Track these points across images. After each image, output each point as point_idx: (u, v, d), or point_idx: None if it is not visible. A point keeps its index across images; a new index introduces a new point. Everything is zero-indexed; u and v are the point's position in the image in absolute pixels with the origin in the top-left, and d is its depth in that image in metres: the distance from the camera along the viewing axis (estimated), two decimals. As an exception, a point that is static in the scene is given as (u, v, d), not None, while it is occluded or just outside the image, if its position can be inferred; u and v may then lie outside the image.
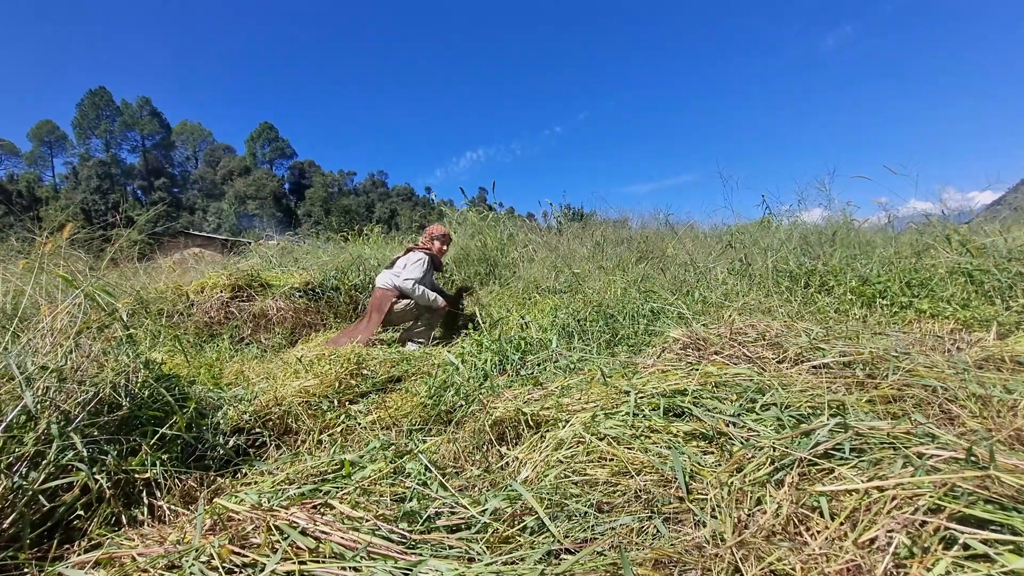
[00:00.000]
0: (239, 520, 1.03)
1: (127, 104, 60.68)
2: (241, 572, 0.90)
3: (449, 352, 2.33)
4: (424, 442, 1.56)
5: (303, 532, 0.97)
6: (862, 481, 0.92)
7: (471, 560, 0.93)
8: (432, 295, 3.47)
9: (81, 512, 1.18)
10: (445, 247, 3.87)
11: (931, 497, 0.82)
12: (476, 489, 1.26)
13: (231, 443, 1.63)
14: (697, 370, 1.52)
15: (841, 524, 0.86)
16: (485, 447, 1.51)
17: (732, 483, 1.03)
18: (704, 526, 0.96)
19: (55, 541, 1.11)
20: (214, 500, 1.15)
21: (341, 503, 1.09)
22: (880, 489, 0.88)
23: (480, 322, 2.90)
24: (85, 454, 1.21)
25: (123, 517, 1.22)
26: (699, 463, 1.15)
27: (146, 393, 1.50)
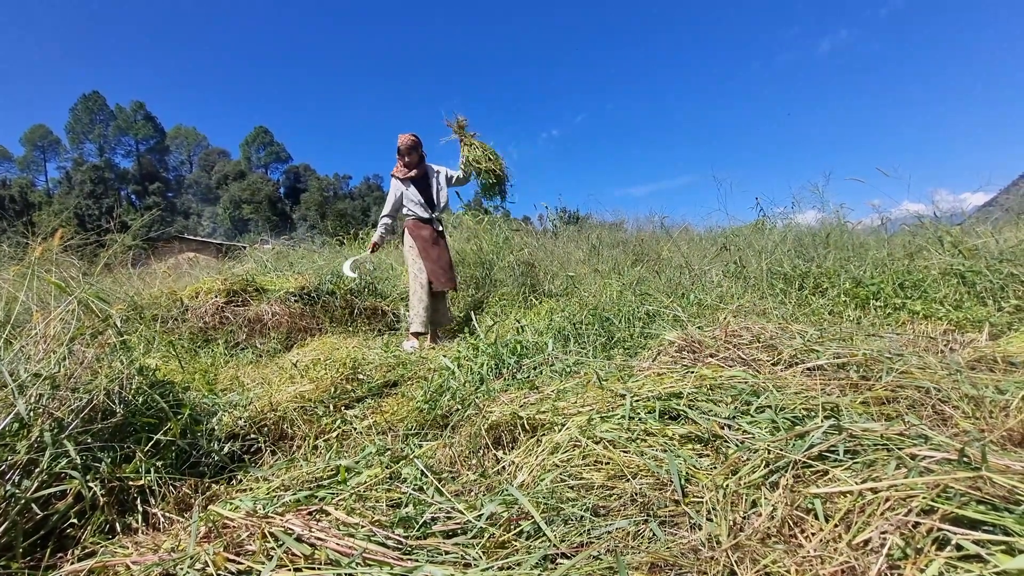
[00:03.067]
0: (234, 527, 1.02)
1: (121, 109, 60.38)
2: (236, 580, 0.89)
3: (445, 356, 2.33)
4: (420, 447, 1.56)
5: (298, 539, 0.96)
6: (856, 483, 0.92)
7: (467, 565, 0.92)
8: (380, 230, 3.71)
9: (74, 520, 1.17)
10: (407, 158, 3.58)
11: (924, 498, 0.83)
12: (472, 494, 1.25)
13: (226, 449, 1.62)
14: (692, 373, 1.53)
15: (835, 526, 0.86)
16: (481, 451, 1.50)
17: (727, 486, 1.04)
18: (700, 529, 0.96)
19: (48, 550, 1.10)
20: (209, 507, 1.15)
21: (337, 509, 1.09)
22: (874, 491, 0.88)
23: (476, 326, 2.91)
24: (78, 461, 1.20)
25: (117, 525, 1.20)
26: (695, 466, 1.16)
27: (140, 400, 1.49)
